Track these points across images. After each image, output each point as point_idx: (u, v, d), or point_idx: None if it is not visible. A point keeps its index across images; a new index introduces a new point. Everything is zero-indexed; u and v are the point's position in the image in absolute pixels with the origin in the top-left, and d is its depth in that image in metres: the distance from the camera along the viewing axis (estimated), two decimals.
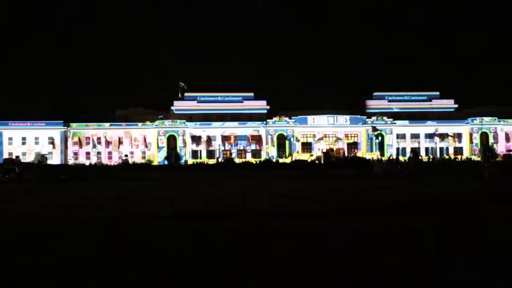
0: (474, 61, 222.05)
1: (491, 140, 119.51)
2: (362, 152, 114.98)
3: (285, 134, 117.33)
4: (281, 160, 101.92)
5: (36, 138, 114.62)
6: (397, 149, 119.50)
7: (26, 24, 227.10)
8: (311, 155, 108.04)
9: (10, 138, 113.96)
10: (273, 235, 16.07)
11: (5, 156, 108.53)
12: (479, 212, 22.08)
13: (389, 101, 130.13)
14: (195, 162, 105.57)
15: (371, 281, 10.42)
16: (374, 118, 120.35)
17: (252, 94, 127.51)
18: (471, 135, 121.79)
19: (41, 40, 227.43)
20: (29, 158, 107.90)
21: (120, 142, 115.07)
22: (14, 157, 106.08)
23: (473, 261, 12.10)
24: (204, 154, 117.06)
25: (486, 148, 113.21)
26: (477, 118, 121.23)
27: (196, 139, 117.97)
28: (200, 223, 19.25)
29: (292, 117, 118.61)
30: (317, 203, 26.79)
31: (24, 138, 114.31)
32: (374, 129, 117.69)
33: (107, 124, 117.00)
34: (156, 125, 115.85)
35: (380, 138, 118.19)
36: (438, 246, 13.86)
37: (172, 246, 14.39)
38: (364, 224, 18.37)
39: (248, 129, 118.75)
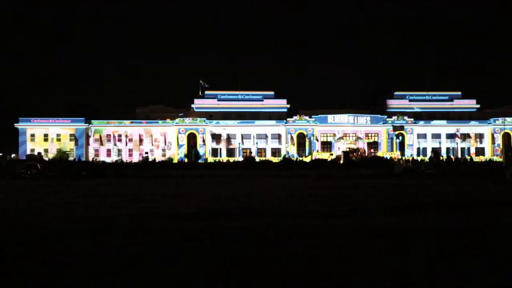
0: (496, 61, 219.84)
1: None
2: (383, 151, 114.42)
3: (305, 133, 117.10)
4: (301, 159, 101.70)
5: (58, 135, 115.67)
6: (418, 149, 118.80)
7: (45, 22, 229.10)
8: (331, 154, 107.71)
9: (32, 135, 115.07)
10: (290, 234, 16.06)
11: (28, 152, 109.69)
12: (498, 213, 21.81)
13: (410, 100, 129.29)
14: (214, 160, 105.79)
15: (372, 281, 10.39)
16: (394, 117, 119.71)
17: (272, 92, 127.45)
18: (493, 135, 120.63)
19: (61, 38, 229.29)
20: (51, 155, 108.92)
21: (140, 140, 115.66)
22: (36, 153, 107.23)
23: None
24: (224, 152, 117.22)
25: (507, 148, 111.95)
26: (499, 118, 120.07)
27: (216, 137, 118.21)
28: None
29: (312, 116, 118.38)
30: (334, 202, 26.71)
31: (46, 135, 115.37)
32: (395, 128, 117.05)
33: (127, 122, 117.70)
34: (176, 123, 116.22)
35: (400, 137, 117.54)
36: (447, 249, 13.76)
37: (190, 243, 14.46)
38: (381, 223, 18.27)
39: (268, 127, 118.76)
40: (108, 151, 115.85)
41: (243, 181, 48.46)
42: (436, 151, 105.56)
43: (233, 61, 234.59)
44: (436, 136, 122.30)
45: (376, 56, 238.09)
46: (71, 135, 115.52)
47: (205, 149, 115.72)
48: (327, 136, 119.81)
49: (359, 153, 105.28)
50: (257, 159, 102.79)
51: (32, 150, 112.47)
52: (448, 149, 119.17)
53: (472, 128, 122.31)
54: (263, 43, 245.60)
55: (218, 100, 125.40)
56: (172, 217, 20.39)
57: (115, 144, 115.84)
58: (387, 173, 63.84)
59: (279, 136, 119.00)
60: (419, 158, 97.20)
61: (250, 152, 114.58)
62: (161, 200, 28.06)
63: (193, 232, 16.58)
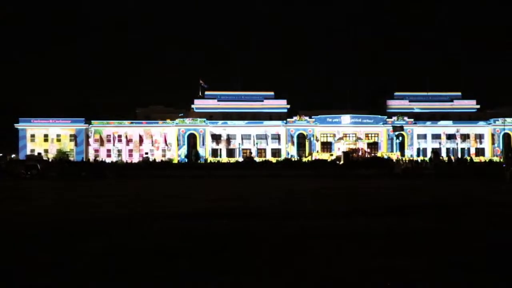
0: (496, 61, 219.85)
1: None
2: (383, 152, 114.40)
3: (305, 134, 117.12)
4: (301, 160, 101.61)
5: (58, 136, 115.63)
6: (418, 149, 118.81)
7: (46, 22, 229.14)
8: (331, 155, 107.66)
9: (32, 135, 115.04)
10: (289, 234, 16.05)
11: (28, 153, 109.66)
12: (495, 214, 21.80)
13: (410, 101, 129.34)
14: (214, 161, 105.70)
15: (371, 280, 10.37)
16: (394, 118, 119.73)
17: (272, 93, 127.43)
18: (493, 136, 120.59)
19: (61, 38, 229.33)
20: (51, 155, 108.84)
21: (140, 140, 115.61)
22: (36, 154, 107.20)
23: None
24: (224, 152, 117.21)
25: (508, 149, 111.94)
26: (499, 119, 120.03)
27: (216, 138, 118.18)
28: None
29: (312, 117, 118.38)
30: (332, 202, 26.71)
31: (46, 135, 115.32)
32: (395, 129, 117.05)
33: (127, 122, 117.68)
34: (176, 123, 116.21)
35: (400, 138, 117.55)
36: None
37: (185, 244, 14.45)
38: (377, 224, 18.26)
39: (268, 128, 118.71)
40: (108, 151, 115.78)
41: (243, 181, 48.41)
42: (436, 152, 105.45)
43: (233, 61, 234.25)
44: (436, 136, 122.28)
45: (376, 56, 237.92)
46: (71, 135, 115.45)
47: (205, 150, 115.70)
48: (327, 136, 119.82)
49: (359, 153, 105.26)
50: (257, 159, 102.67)
51: (32, 150, 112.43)
52: (448, 150, 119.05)
53: (472, 128, 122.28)
54: (263, 43, 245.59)
55: (218, 101, 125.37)
56: (172, 218, 20.37)
57: (114, 145, 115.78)
58: (387, 173, 63.80)
59: (279, 137, 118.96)
60: (419, 159, 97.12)
61: (250, 153, 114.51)
62: (162, 201, 28.04)
63: (194, 232, 16.56)
